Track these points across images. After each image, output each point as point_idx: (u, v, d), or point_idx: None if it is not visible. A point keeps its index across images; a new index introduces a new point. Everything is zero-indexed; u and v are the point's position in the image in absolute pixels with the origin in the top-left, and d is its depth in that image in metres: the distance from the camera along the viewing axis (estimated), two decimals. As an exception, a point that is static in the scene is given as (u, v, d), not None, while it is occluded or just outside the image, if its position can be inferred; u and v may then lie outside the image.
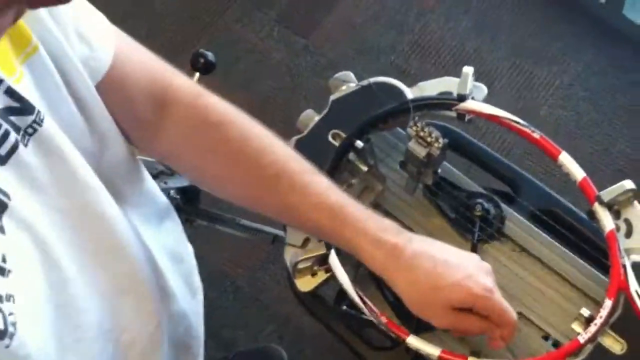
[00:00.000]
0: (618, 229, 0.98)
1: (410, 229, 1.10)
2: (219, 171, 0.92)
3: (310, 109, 1.18)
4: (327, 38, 2.45)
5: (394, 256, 0.86)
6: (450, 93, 1.10)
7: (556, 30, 2.41)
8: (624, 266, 0.96)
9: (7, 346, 0.58)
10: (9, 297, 0.60)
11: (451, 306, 0.85)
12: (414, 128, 1.01)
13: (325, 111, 1.16)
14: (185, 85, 0.90)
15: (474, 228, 1.09)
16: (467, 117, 1.09)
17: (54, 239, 0.69)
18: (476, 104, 1.07)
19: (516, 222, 1.10)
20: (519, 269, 1.07)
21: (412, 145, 1.03)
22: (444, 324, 0.88)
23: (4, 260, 0.60)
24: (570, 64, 2.35)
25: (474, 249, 1.08)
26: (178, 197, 1.63)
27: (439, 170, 1.12)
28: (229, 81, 2.34)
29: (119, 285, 0.80)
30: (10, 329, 0.59)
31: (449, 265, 0.86)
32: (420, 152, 1.02)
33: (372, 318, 0.96)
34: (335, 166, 1.09)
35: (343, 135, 1.12)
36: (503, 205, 1.11)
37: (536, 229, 1.10)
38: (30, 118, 0.66)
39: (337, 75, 1.20)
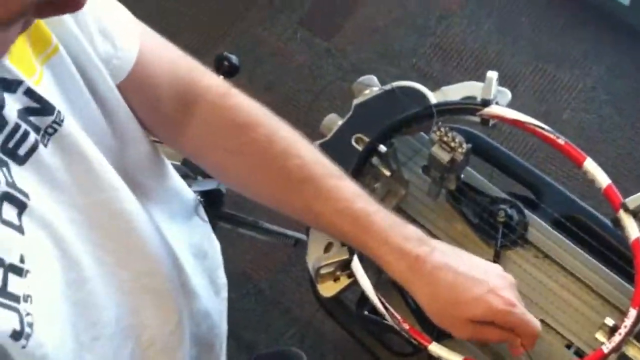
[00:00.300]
0: (643, 236, 0.97)
1: (432, 235, 1.10)
2: (243, 172, 0.92)
3: (334, 112, 1.17)
4: (349, 41, 2.46)
5: (416, 268, 0.85)
6: (474, 98, 1.09)
7: (578, 33, 2.40)
8: (650, 275, 0.95)
9: (24, 347, 0.59)
10: (26, 298, 0.60)
11: (471, 320, 0.85)
12: (438, 133, 1.01)
13: (348, 115, 1.16)
14: (213, 83, 0.90)
15: (497, 234, 1.08)
16: (491, 122, 1.08)
17: (73, 238, 0.70)
18: (500, 109, 1.06)
19: (539, 229, 1.09)
20: (542, 276, 1.06)
21: (436, 150, 1.02)
22: (463, 335, 0.87)
23: (22, 261, 0.61)
24: (592, 67, 2.34)
25: (496, 256, 1.08)
26: (202, 200, 1.63)
27: (462, 176, 1.11)
28: (252, 84, 2.35)
29: (138, 283, 0.80)
30: (27, 329, 0.59)
31: (470, 279, 0.85)
32: (444, 157, 1.02)
33: (394, 324, 0.96)
34: (358, 170, 1.09)
35: (366, 139, 1.12)
36: (526, 212, 1.10)
37: (560, 236, 1.09)
38: (50, 118, 0.67)
39: (360, 79, 1.20)
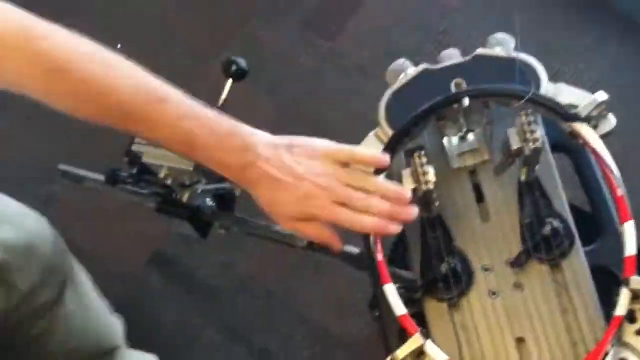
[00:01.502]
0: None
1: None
2: (67, 110, 0.96)
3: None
4: (353, 41, 2.45)
5: (240, 177, 1.00)
6: (577, 107, 1.10)
7: (582, 27, 2.40)
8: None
9: None
10: None
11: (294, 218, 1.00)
12: (524, 118, 1.01)
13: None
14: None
15: (530, 243, 1.06)
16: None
17: None
18: (587, 132, 1.07)
19: (575, 264, 1.07)
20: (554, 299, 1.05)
21: (512, 132, 1.03)
22: (287, 228, 1.04)
23: None
24: (597, 61, 2.34)
25: (519, 259, 1.06)
26: (214, 204, 1.62)
27: (537, 168, 1.10)
28: (258, 86, 2.33)
29: None
30: None
31: (285, 184, 0.98)
32: (514, 143, 1.02)
33: None
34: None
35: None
36: (577, 243, 1.08)
37: (591, 284, 1.06)
38: None
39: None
